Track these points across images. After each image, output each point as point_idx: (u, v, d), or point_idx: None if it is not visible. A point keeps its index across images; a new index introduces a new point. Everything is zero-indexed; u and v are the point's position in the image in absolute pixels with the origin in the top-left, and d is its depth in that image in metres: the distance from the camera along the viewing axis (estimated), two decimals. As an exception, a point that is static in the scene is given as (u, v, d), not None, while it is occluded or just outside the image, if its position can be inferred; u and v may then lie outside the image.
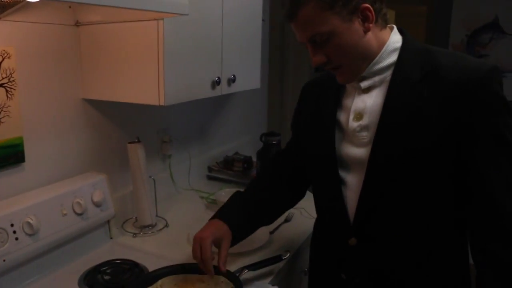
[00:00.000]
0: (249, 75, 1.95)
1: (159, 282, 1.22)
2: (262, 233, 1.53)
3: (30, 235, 1.28)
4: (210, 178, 2.32)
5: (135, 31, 1.40)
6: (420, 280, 1.11)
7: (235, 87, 1.82)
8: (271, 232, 1.64)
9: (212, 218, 1.31)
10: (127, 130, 1.78)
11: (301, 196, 1.43)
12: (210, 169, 2.33)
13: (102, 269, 1.37)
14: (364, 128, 1.10)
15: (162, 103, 1.39)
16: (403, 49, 1.09)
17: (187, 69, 1.50)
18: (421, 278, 1.11)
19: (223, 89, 1.74)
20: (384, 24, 1.09)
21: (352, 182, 1.14)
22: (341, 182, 1.16)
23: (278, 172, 1.42)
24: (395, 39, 1.10)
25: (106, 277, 1.33)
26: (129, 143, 1.62)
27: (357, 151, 1.12)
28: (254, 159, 2.24)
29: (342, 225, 1.17)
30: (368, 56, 1.07)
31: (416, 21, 3.71)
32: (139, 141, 1.62)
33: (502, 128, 1.00)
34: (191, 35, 1.51)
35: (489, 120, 1.00)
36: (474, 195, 1.03)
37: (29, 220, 1.27)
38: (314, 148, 1.23)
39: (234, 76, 1.78)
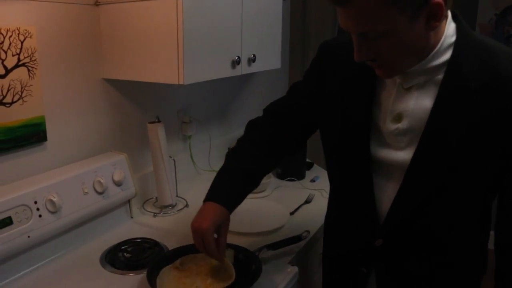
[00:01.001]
0: (270, 55, 1.93)
1: (179, 260, 1.23)
2: (282, 213, 1.53)
3: (53, 212, 1.30)
4: (230, 159, 2.31)
5: (154, 10, 1.39)
6: (441, 279, 1.09)
7: (255, 67, 1.80)
8: (291, 213, 1.64)
9: (207, 199, 1.21)
10: (147, 110, 1.78)
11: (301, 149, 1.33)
12: (230, 150, 2.32)
13: (123, 247, 1.39)
14: (402, 132, 0.99)
15: (181, 82, 1.39)
16: (458, 45, 0.94)
17: (206, 48, 1.48)
18: (442, 277, 1.09)
19: (243, 69, 1.72)
20: (445, 15, 0.92)
21: (386, 185, 1.06)
22: (371, 182, 1.07)
23: (281, 127, 1.26)
24: (450, 31, 0.94)
25: (127, 255, 1.35)
26: (149, 123, 1.63)
27: (394, 154, 1.02)
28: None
29: (370, 226, 1.10)
30: (422, 54, 0.93)
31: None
32: (159, 121, 1.63)
33: None
34: (211, 13, 1.49)
35: None
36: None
37: (52, 198, 1.29)
38: (344, 144, 1.10)
39: (254, 55, 1.76)
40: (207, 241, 1.12)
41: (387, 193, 1.06)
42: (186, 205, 1.73)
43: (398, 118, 0.99)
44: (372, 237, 1.11)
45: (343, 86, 1.09)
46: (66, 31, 1.43)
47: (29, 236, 1.24)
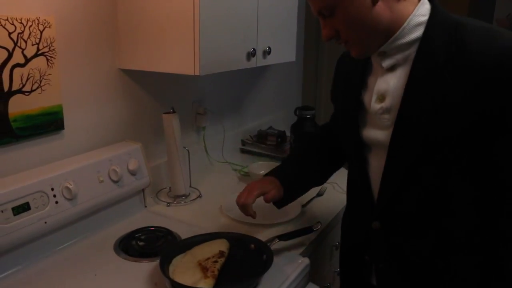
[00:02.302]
0: (285, 48, 1.93)
1: (191, 249, 1.25)
2: (294, 206, 1.53)
3: (69, 199, 1.32)
4: (243, 151, 2.33)
5: (172, 1, 1.40)
6: (442, 267, 1.08)
7: (270, 59, 1.80)
8: (303, 206, 1.64)
9: (266, 175, 1.37)
10: (162, 101, 1.80)
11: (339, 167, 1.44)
12: (243, 142, 2.34)
13: (136, 235, 1.41)
14: (386, 110, 1.04)
15: (197, 73, 1.40)
16: (430, 23, 0.98)
17: (222, 39, 1.49)
18: (443, 263, 1.07)
19: (258, 61, 1.73)
20: None
21: (376, 165, 1.10)
22: (366, 164, 1.13)
23: (323, 145, 1.42)
24: (421, 11, 0.99)
25: (140, 243, 1.37)
26: (164, 113, 1.64)
27: (378, 134, 1.07)
28: (288, 133, 2.23)
29: (366, 208, 1.15)
30: (380, 29, 0.98)
31: (459, -5, 3.57)
32: (174, 112, 1.64)
33: None
34: (227, 4, 1.49)
35: None
36: (502, 187, 0.98)
37: (68, 185, 1.31)
38: (341, 129, 1.22)
39: (269, 48, 1.76)
40: (249, 193, 1.28)
41: (377, 173, 1.10)
42: (199, 196, 1.75)
43: (382, 98, 1.05)
44: (370, 220, 1.13)
45: (344, 82, 1.21)
46: (84, 21, 1.45)
47: (45, 222, 1.26)
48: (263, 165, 2.02)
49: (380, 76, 1.06)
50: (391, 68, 1.04)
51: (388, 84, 1.04)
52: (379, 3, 0.96)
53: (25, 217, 1.22)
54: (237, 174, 2.02)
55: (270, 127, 2.42)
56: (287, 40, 1.93)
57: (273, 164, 2.01)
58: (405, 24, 0.98)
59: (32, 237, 1.25)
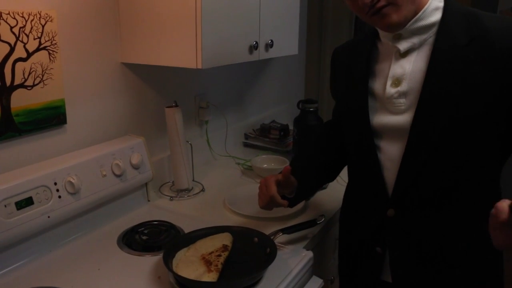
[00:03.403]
0: (287, 41, 1.92)
1: (194, 243, 1.25)
2: (297, 199, 1.53)
3: (72, 194, 1.32)
4: (246, 145, 2.33)
5: (173, -6, 1.39)
6: (459, 253, 1.08)
7: (273, 53, 1.79)
8: (307, 199, 1.64)
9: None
10: (165, 95, 1.79)
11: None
12: (246, 136, 2.33)
13: (139, 229, 1.41)
14: (402, 94, 1.05)
15: (199, 66, 1.39)
16: (447, 10, 1.03)
17: (224, 32, 1.48)
18: (459, 251, 1.08)
19: (261, 54, 1.72)
20: None
21: (391, 151, 1.10)
22: (378, 151, 1.13)
23: (329, 143, 1.40)
24: None
25: (144, 237, 1.37)
26: (167, 107, 1.64)
27: (393, 119, 1.08)
28: (291, 126, 2.22)
29: (380, 196, 1.13)
30: (417, 7, 1.01)
31: (463, -14, 3.54)
32: (176, 106, 1.64)
33: None
34: (229, -2, 1.49)
35: None
36: None
37: (71, 180, 1.31)
38: (349, 118, 1.21)
39: (271, 41, 1.75)
40: (268, 185, 1.25)
41: (392, 159, 1.10)
42: (202, 189, 1.75)
43: (398, 82, 1.06)
44: (384, 208, 1.12)
45: (346, 73, 1.23)
46: (86, 15, 1.44)
47: (49, 216, 1.27)
48: (266, 158, 2.01)
49: (394, 61, 1.08)
50: (404, 54, 1.06)
51: (404, 69, 1.06)
52: None
53: (28, 212, 1.22)
54: (240, 167, 2.02)
55: (273, 121, 2.42)
56: (289, 33, 1.92)
57: (276, 158, 2.01)
58: (426, 5, 1.02)
59: (35, 232, 1.25)
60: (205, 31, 1.37)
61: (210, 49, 1.41)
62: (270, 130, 2.28)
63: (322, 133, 1.46)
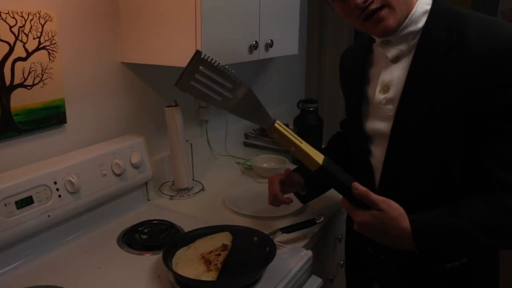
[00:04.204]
0: (287, 40, 1.92)
1: (194, 242, 1.25)
2: (295, 199, 1.53)
3: (72, 193, 1.32)
4: (246, 144, 2.33)
5: (172, -7, 1.39)
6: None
7: (273, 52, 1.79)
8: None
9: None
10: (164, 94, 1.79)
11: None
12: (246, 135, 2.33)
13: (139, 228, 1.41)
14: (390, 101, 1.05)
15: (199, 66, 1.39)
16: (432, 13, 0.99)
17: (224, 32, 1.48)
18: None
19: (261, 54, 1.72)
20: None
21: (379, 156, 1.11)
22: (370, 155, 1.14)
23: (341, 142, 1.43)
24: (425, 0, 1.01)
25: (144, 236, 1.37)
26: (167, 107, 1.64)
27: (380, 125, 1.09)
28: (291, 126, 2.22)
29: None
30: (406, 11, 0.98)
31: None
32: (176, 105, 1.64)
33: None
34: (229, -3, 1.49)
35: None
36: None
37: (71, 179, 1.32)
38: (348, 122, 1.24)
39: (271, 40, 1.75)
40: (272, 184, 1.36)
41: (379, 164, 1.11)
42: (202, 189, 1.75)
43: (386, 88, 1.06)
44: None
45: (347, 76, 1.24)
46: (85, 15, 1.44)
47: (49, 216, 1.27)
48: (266, 158, 2.01)
49: (384, 67, 1.07)
50: (395, 60, 1.05)
51: (392, 75, 1.05)
52: None
53: (28, 211, 1.22)
54: (240, 167, 2.02)
55: (273, 120, 2.41)
56: (289, 33, 1.92)
57: (276, 157, 2.01)
58: (414, 10, 0.99)
59: (35, 231, 1.26)
60: (204, 30, 1.37)
61: (210, 49, 1.41)
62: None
63: (334, 135, 1.51)
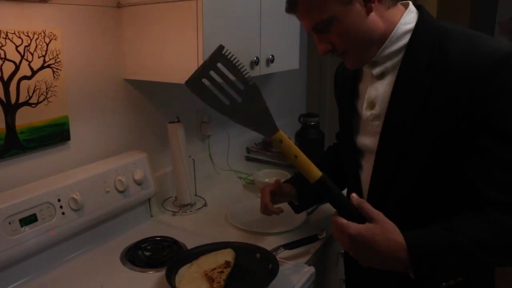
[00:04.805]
0: (288, 56, 1.93)
1: (197, 259, 1.25)
2: (299, 214, 1.54)
3: (75, 210, 1.33)
4: (248, 159, 2.33)
5: (174, 11, 1.41)
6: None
7: (274, 68, 1.81)
8: (309, 213, 1.64)
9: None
10: (167, 110, 1.81)
11: None
12: (248, 150, 2.34)
13: (142, 245, 1.41)
14: (376, 117, 1.06)
15: (201, 84, 1.40)
16: (416, 31, 1.00)
17: (225, 48, 1.50)
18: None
19: (262, 69, 1.73)
20: (392, 2, 1.01)
21: (367, 170, 1.13)
22: (360, 170, 1.16)
23: (335, 155, 1.43)
24: (407, 19, 1.01)
25: (147, 253, 1.37)
26: (169, 123, 1.65)
27: (368, 140, 1.10)
28: (293, 140, 2.23)
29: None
30: (375, 39, 1.00)
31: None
32: (179, 121, 1.65)
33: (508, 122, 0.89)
34: (230, 14, 1.50)
35: (495, 118, 0.90)
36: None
37: (75, 196, 1.32)
38: (340, 136, 1.26)
39: (272, 56, 1.77)
40: (262, 194, 1.40)
41: (368, 178, 1.12)
42: (205, 204, 1.75)
43: (372, 104, 1.07)
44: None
45: (339, 91, 1.26)
46: (89, 33, 1.46)
47: (52, 233, 1.27)
48: (268, 172, 2.02)
49: (370, 83, 1.08)
50: (381, 76, 1.06)
51: (377, 91, 1.06)
52: (373, 12, 0.98)
53: (32, 229, 1.23)
54: (242, 182, 2.03)
55: (275, 135, 2.42)
56: (290, 48, 1.94)
57: (278, 172, 2.02)
58: (392, 33, 1.00)
59: (39, 249, 1.26)
60: (206, 47, 1.39)
61: (212, 66, 1.43)
62: (272, 143, 2.29)
63: (330, 146, 1.53)
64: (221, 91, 1.01)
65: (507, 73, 0.89)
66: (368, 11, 0.97)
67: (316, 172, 1.00)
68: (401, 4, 1.05)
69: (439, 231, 0.92)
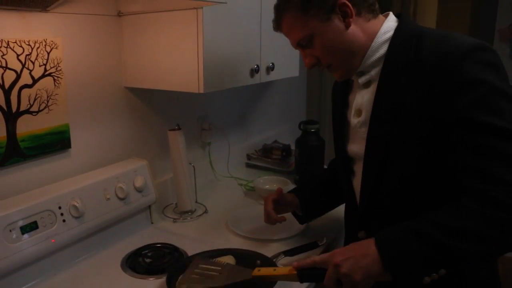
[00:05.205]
0: (288, 63, 1.95)
1: (198, 266, 1.25)
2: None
3: (76, 217, 1.34)
4: (249, 166, 2.34)
5: (175, 20, 1.42)
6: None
7: (274, 75, 1.82)
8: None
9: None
10: (167, 118, 1.82)
11: None
12: (249, 157, 2.35)
13: (143, 252, 1.41)
14: (363, 124, 1.09)
15: (201, 91, 1.42)
16: (394, 37, 1.04)
17: (226, 57, 1.51)
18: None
19: (262, 77, 1.74)
20: (372, 14, 1.06)
21: (358, 176, 1.15)
22: (353, 177, 1.18)
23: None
24: (386, 28, 1.06)
25: (147, 260, 1.37)
26: (170, 130, 1.66)
27: (357, 148, 1.12)
28: (293, 147, 2.24)
29: (353, 217, 1.20)
30: (356, 51, 1.05)
31: (460, 6, 3.57)
32: (179, 128, 1.66)
33: (482, 116, 0.90)
34: (230, 23, 1.52)
35: (463, 108, 0.91)
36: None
37: (75, 204, 1.33)
38: (334, 146, 1.29)
39: (273, 64, 1.78)
40: (265, 202, 1.42)
41: (359, 185, 1.14)
42: (206, 211, 1.76)
43: (359, 112, 1.11)
44: (356, 229, 1.16)
45: (333, 101, 1.30)
46: (90, 42, 1.47)
47: (53, 241, 1.28)
48: (268, 179, 2.02)
49: (357, 92, 1.12)
50: (367, 84, 1.09)
51: (363, 99, 1.10)
52: (352, 26, 1.03)
53: (33, 236, 1.23)
54: (243, 188, 2.03)
55: (275, 141, 2.43)
56: (290, 56, 1.94)
57: (278, 179, 2.02)
58: (372, 43, 1.05)
59: (40, 256, 1.26)
60: (206, 56, 1.40)
61: (212, 74, 1.44)
62: (272, 150, 2.29)
63: (331, 161, 1.56)
64: None
65: (472, 64, 0.92)
66: (347, 25, 1.03)
67: (291, 274, 1.05)
68: (383, 15, 1.10)
69: (405, 223, 0.94)
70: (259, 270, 1.10)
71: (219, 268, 1.16)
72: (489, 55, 0.93)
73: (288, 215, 1.47)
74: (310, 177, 1.52)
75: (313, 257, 1.02)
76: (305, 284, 1.25)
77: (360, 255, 0.94)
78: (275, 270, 1.10)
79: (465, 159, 0.92)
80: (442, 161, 0.97)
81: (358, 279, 0.92)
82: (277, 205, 1.42)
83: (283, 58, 1.88)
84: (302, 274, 1.04)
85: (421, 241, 0.89)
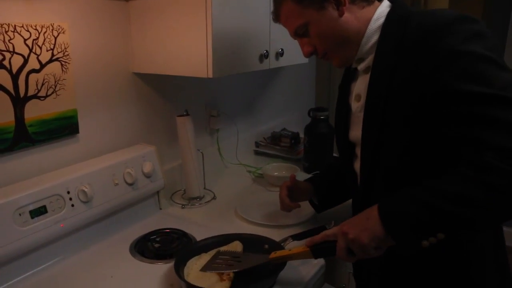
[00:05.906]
0: (297, 49, 1.90)
1: (206, 252, 1.25)
2: (308, 207, 1.53)
3: (84, 202, 1.34)
4: (257, 153, 2.33)
5: (183, 4, 1.41)
6: (428, 262, 1.08)
7: (283, 61, 1.80)
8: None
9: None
10: (176, 104, 1.81)
11: None
12: (257, 144, 2.34)
13: (152, 237, 1.41)
14: (362, 108, 1.10)
15: (210, 76, 1.40)
16: (385, 23, 1.05)
17: (235, 42, 1.49)
18: (428, 259, 1.08)
19: (271, 63, 1.73)
20: (367, 2, 1.07)
21: (359, 160, 1.15)
22: (354, 162, 1.20)
23: None
24: (379, 14, 1.06)
25: (156, 245, 1.37)
26: (178, 116, 1.65)
27: (358, 132, 1.13)
28: (302, 134, 2.22)
29: (356, 199, 1.22)
30: (351, 38, 1.07)
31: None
32: (187, 114, 1.65)
33: (467, 86, 0.89)
34: (239, 7, 1.50)
35: (448, 80, 0.91)
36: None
37: (84, 189, 1.33)
38: (336, 135, 1.30)
39: (282, 50, 1.76)
40: (281, 189, 1.46)
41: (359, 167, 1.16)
42: (214, 197, 1.75)
43: (359, 97, 1.13)
44: (359, 211, 1.12)
45: (339, 93, 1.28)
46: (97, 27, 1.46)
47: (62, 225, 1.28)
48: (277, 166, 2.01)
49: (359, 78, 1.14)
50: (367, 70, 1.10)
51: (362, 84, 1.11)
52: (345, 14, 1.05)
53: (42, 220, 1.24)
54: (251, 175, 2.02)
55: (284, 129, 2.42)
56: (299, 41, 1.92)
57: (287, 166, 2.01)
58: (367, 30, 1.07)
59: (49, 240, 1.27)
60: (215, 41, 1.39)
61: (221, 59, 1.42)
62: (281, 138, 2.28)
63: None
64: None
65: (452, 36, 0.91)
66: (341, 14, 1.05)
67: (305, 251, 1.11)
68: (378, 0, 1.09)
69: (406, 188, 0.95)
70: (275, 253, 1.14)
71: (238, 257, 1.20)
72: (470, 25, 0.93)
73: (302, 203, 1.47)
74: (327, 167, 1.53)
75: (324, 231, 1.08)
76: (318, 265, 1.24)
77: (365, 218, 0.98)
78: (290, 250, 1.14)
79: (457, 130, 0.92)
80: (435, 137, 0.97)
81: (365, 241, 0.95)
82: (292, 192, 1.45)
83: (293, 44, 1.84)
84: (315, 249, 1.09)
85: (418, 204, 0.91)
